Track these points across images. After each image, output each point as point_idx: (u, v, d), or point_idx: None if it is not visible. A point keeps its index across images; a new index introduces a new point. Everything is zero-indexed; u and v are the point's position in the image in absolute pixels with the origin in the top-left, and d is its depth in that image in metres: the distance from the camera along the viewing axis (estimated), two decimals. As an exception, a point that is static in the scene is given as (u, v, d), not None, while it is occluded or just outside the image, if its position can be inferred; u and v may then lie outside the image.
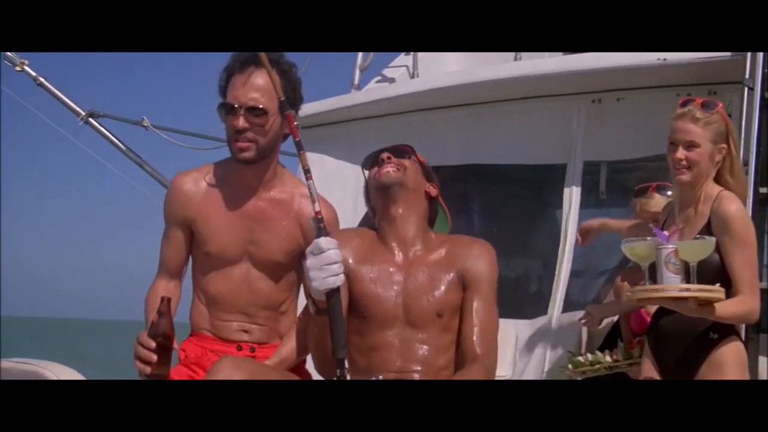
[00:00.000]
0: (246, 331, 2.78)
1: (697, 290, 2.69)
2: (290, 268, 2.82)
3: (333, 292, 2.29)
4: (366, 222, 4.15)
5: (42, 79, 5.25)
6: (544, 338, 3.87)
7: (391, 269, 2.63)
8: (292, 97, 2.66)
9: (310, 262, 2.28)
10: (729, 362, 2.85)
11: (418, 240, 2.67)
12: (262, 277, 2.74)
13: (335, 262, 2.28)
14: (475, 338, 2.55)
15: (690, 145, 2.91)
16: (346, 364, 2.29)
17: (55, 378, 3.28)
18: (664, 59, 3.69)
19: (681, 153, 2.91)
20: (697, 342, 2.92)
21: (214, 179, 2.79)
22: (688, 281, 2.71)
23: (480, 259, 2.63)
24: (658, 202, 3.41)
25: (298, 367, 2.83)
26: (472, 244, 2.67)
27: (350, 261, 2.57)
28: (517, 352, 3.90)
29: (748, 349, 3.03)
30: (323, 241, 2.28)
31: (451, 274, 2.61)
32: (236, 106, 2.63)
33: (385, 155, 2.70)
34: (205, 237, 2.76)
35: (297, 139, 2.41)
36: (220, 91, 2.72)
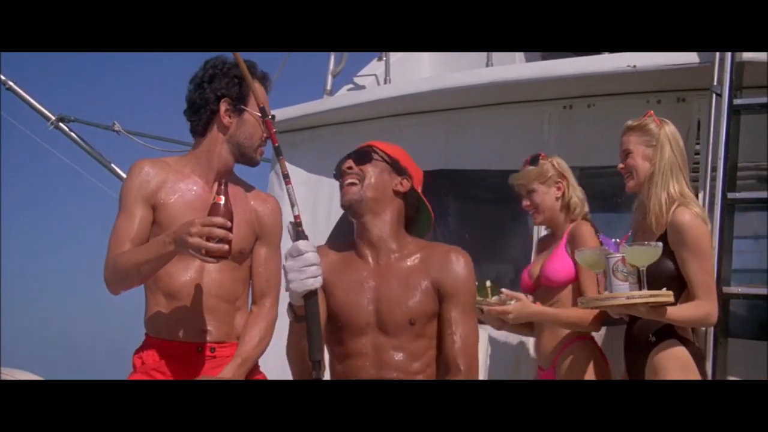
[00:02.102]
0: (204, 330, 2.75)
1: (639, 296, 2.83)
2: (245, 258, 2.83)
3: (311, 295, 2.30)
4: (341, 226, 4.14)
5: (11, 83, 5.21)
6: (515, 341, 3.89)
7: (365, 276, 2.62)
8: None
9: (289, 264, 2.29)
10: (668, 366, 2.94)
11: (391, 242, 2.65)
12: (219, 267, 2.72)
13: (313, 264, 2.29)
14: (456, 351, 2.55)
15: (626, 154, 3.13)
16: (323, 366, 2.30)
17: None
18: (634, 66, 3.72)
19: (620, 164, 3.15)
20: (640, 345, 3.03)
21: (179, 169, 2.80)
22: (640, 287, 2.84)
23: (457, 269, 2.61)
24: (526, 173, 3.56)
25: (253, 371, 2.83)
26: (449, 253, 2.64)
27: (326, 275, 2.51)
28: (488, 357, 3.92)
29: (716, 352, 3.09)
30: (302, 244, 2.30)
31: (426, 282, 2.59)
32: (273, 116, 2.69)
33: (346, 165, 2.67)
34: (167, 224, 2.71)
35: (276, 144, 2.43)
36: (233, 90, 2.75)
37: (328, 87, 4.87)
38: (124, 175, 5.32)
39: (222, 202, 2.48)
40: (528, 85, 4.10)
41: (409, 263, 2.63)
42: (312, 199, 4.59)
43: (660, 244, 2.86)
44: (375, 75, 4.97)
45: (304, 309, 2.33)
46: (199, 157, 2.81)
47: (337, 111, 4.62)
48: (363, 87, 4.94)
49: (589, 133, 4.07)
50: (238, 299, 2.83)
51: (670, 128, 3.10)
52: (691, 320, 2.96)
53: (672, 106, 3.90)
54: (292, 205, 2.32)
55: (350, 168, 2.66)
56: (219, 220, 2.44)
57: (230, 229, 2.45)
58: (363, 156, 2.69)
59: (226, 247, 2.44)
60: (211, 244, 2.41)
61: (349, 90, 4.98)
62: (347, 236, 2.77)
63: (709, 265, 2.98)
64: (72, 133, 5.39)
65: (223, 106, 2.75)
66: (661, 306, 2.85)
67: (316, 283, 2.30)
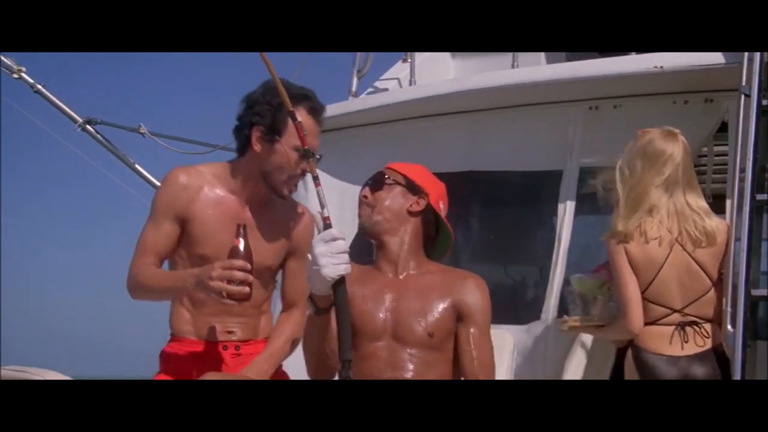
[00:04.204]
0: (230, 331, 2.80)
1: (568, 321, 3.48)
2: (276, 270, 2.89)
3: (340, 283, 2.30)
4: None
5: (39, 86, 5.25)
6: (540, 343, 3.88)
7: (383, 287, 2.66)
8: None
9: (321, 249, 2.29)
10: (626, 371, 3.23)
11: (410, 259, 2.71)
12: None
13: (345, 251, 2.30)
14: (476, 368, 2.59)
15: None
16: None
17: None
18: (661, 67, 3.69)
19: None
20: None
21: (215, 182, 2.81)
22: (582, 311, 3.46)
23: (476, 293, 2.67)
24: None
25: (277, 372, 2.86)
26: (467, 278, 2.71)
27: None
28: (514, 360, 3.90)
29: (745, 355, 3.08)
30: (335, 231, 2.31)
31: (445, 301, 2.64)
32: (317, 156, 2.69)
33: (362, 195, 2.76)
34: (200, 239, 2.76)
35: (305, 147, 2.43)
36: (267, 119, 2.74)
37: (353, 88, 4.87)
38: (148, 176, 5.40)
39: (241, 245, 2.53)
40: (553, 87, 4.08)
41: (427, 280, 2.69)
42: (336, 202, 4.58)
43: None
44: (398, 78, 4.96)
45: (328, 300, 2.33)
46: (234, 174, 2.83)
47: (362, 113, 4.61)
48: (389, 88, 4.93)
49: (615, 135, 4.04)
50: (263, 304, 2.89)
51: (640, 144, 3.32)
52: (616, 336, 3.34)
53: (700, 106, 3.87)
54: (322, 207, 2.32)
55: (365, 197, 2.75)
56: (239, 263, 2.48)
57: (250, 272, 2.49)
58: (377, 183, 2.76)
59: (247, 289, 2.48)
60: (232, 287, 2.46)
61: (373, 90, 4.97)
62: (366, 250, 2.80)
63: (621, 283, 3.21)
64: (98, 135, 5.42)
65: (255, 134, 2.76)
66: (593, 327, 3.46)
67: (348, 269, 2.30)
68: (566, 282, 3.98)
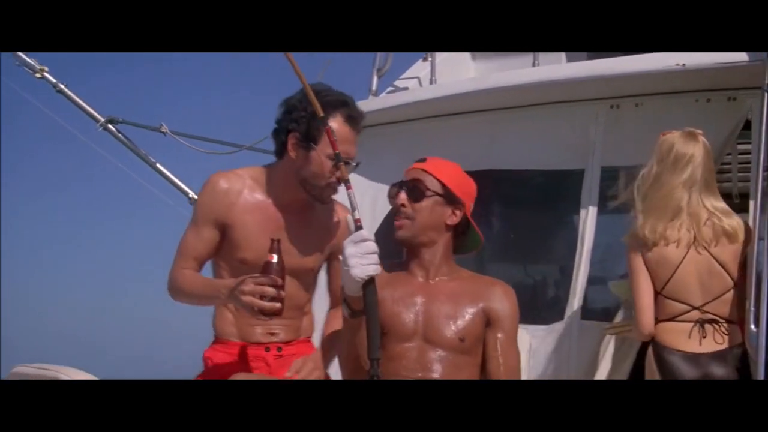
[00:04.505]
0: (272, 333, 2.84)
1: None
2: (318, 271, 2.95)
3: (369, 283, 2.30)
4: (384, 227, 4.13)
5: (62, 86, 5.28)
6: (564, 343, 3.86)
7: (414, 290, 2.68)
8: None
9: (350, 250, 2.30)
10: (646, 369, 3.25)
11: (442, 267, 2.73)
12: (290, 281, 2.73)
13: (375, 252, 2.31)
14: (501, 374, 2.62)
15: None
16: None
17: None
18: (683, 65, 3.66)
19: None
20: None
21: (255, 186, 2.84)
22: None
23: (504, 301, 2.70)
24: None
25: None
26: (495, 285, 2.74)
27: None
28: (531, 359, 3.89)
29: None
30: (365, 232, 2.32)
31: (475, 306, 2.67)
32: (353, 163, 2.76)
33: (399, 201, 2.72)
34: (241, 244, 2.80)
35: (336, 151, 2.42)
36: (302, 126, 2.74)
37: (374, 87, 4.87)
38: (170, 175, 5.41)
39: (275, 260, 2.55)
40: (574, 85, 4.06)
41: (458, 286, 2.71)
42: (357, 198, 4.57)
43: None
44: (418, 77, 4.95)
45: (360, 301, 2.33)
46: (273, 178, 2.86)
47: (383, 111, 4.60)
48: (406, 88, 4.92)
49: (636, 133, 4.01)
50: (305, 305, 2.95)
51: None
52: (635, 337, 3.39)
53: (722, 105, 3.83)
54: (353, 209, 2.33)
55: (403, 206, 2.71)
56: (271, 279, 2.52)
57: (282, 287, 2.53)
58: (415, 190, 2.72)
59: (278, 305, 2.52)
60: (264, 303, 2.50)
61: (391, 92, 4.96)
62: (390, 249, 2.78)
63: (634, 287, 3.28)
64: (120, 135, 5.45)
65: (291, 140, 2.78)
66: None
67: (377, 269, 2.31)
68: (589, 281, 3.97)
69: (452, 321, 2.63)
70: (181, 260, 2.81)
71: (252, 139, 5.27)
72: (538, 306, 4.39)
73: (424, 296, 2.67)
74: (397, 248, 2.82)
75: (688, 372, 3.14)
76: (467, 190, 2.79)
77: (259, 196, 2.83)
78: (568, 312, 3.92)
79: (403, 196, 2.72)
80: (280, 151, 2.85)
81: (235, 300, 2.56)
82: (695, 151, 3.24)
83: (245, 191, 2.82)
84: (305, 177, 2.78)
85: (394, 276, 2.71)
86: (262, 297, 2.50)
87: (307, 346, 2.98)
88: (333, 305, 3.02)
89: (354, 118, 2.80)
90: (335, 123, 2.71)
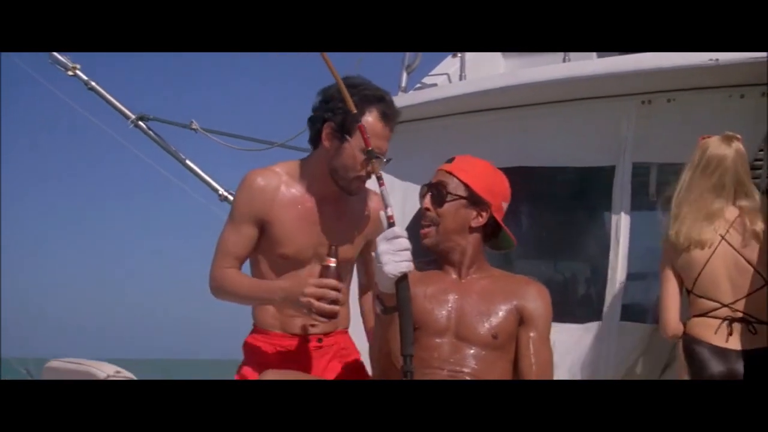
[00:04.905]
0: (313, 325, 2.87)
1: None
2: (354, 262, 3.01)
3: (402, 280, 2.30)
4: (415, 224, 4.13)
5: (93, 83, 5.33)
6: (602, 343, 3.84)
7: (447, 287, 2.68)
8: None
9: (383, 247, 2.30)
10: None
11: (472, 266, 2.72)
12: None
13: (407, 249, 2.31)
14: (533, 374, 2.60)
15: None
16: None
17: (106, 377, 3.34)
18: (717, 59, 3.62)
19: None
20: None
21: (291, 181, 2.87)
22: None
23: (538, 300, 2.68)
24: None
25: (351, 352, 3.03)
26: (529, 284, 2.72)
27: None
28: (560, 356, 3.86)
29: None
30: (398, 229, 2.32)
31: (509, 305, 2.65)
32: (384, 159, 2.80)
33: (424, 204, 2.71)
34: (281, 240, 2.84)
35: (369, 148, 2.43)
36: (338, 117, 2.76)
37: (403, 84, 4.86)
38: (199, 171, 5.44)
39: (333, 265, 2.62)
40: (605, 81, 4.03)
41: (490, 284, 2.70)
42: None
43: None
44: (447, 74, 4.94)
45: (393, 298, 2.33)
46: (307, 170, 2.89)
47: (412, 108, 4.59)
48: (435, 85, 4.91)
49: (668, 130, 3.98)
50: (342, 296, 2.94)
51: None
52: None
53: (756, 100, 3.79)
54: (386, 206, 2.33)
55: (428, 210, 2.70)
56: (332, 283, 2.59)
57: (340, 290, 2.62)
58: (439, 194, 2.70)
59: (338, 308, 2.60)
60: (325, 306, 2.58)
61: (420, 88, 4.95)
62: (420, 247, 2.78)
63: (661, 288, 3.42)
64: (150, 132, 5.49)
65: (326, 129, 2.81)
66: None
67: (410, 266, 2.31)
68: (628, 281, 3.93)
69: (485, 318, 2.62)
70: (222, 259, 2.85)
71: (283, 136, 5.28)
72: (569, 304, 4.36)
73: (457, 293, 2.66)
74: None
75: (715, 366, 3.19)
76: (496, 189, 2.75)
77: (296, 190, 2.86)
78: (606, 312, 3.89)
79: (428, 200, 2.72)
80: (315, 140, 2.87)
81: (293, 301, 2.64)
82: (726, 154, 3.27)
83: (282, 187, 2.85)
84: (336, 167, 2.81)
85: (426, 273, 2.70)
86: (321, 300, 2.58)
87: (345, 337, 3.03)
88: (363, 293, 3.13)
89: (388, 115, 2.82)
90: (370, 117, 2.75)
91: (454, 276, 2.71)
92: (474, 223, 2.71)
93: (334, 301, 2.58)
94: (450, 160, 2.77)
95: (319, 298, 2.57)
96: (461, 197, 2.70)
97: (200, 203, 5.53)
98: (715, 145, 3.32)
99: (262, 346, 2.91)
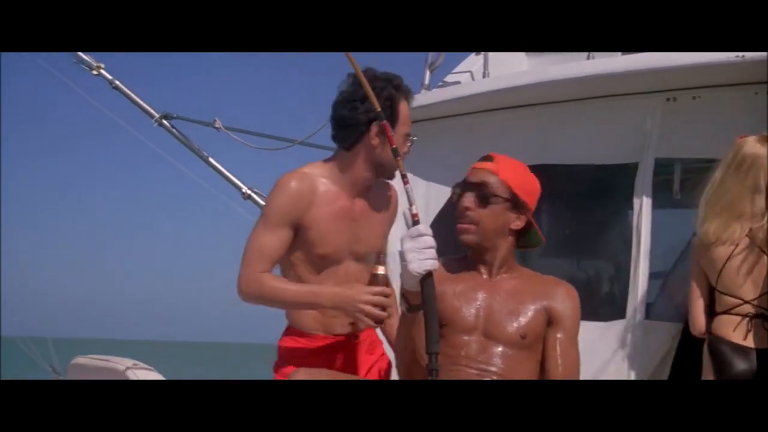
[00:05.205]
0: (353, 323, 2.94)
1: None
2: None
3: (427, 278, 2.31)
4: (439, 221, 4.12)
5: (118, 83, 5.36)
6: (625, 343, 3.82)
7: (476, 285, 2.67)
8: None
9: (408, 245, 2.31)
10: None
11: (504, 266, 2.71)
12: (361, 269, 2.93)
13: (432, 247, 2.31)
14: (559, 375, 2.60)
15: None
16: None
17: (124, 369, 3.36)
18: (743, 56, 3.59)
19: None
20: None
21: (325, 182, 2.93)
22: None
23: (567, 301, 2.67)
24: None
25: (377, 347, 3.11)
26: (558, 284, 2.71)
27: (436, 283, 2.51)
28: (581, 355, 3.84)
29: None
30: (422, 227, 2.32)
31: (537, 304, 2.64)
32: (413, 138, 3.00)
33: (465, 203, 2.66)
34: (318, 240, 2.90)
35: (394, 146, 2.44)
36: (386, 112, 2.76)
37: (426, 81, 4.85)
38: (224, 171, 5.45)
39: (382, 273, 2.74)
40: (630, 78, 4.01)
41: (519, 284, 2.69)
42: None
43: None
44: (471, 71, 4.92)
45: (418, 296, 2.34)
46: (342, 169, 2.95)
47: (436, 105, 4.59)
48: (458, 83, 4.90)
49: (693, 127, 3.95)
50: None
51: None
52: None
53: (783, 98, 3.75)
54: (411, 204, 2.33)
55: (469, 209, 2.65)
56: (385, 290, 2.73)
57: (388, 296, 2.76)
58: (483, 196, 2.66)
59: (386, 314, 2.76)
60: (378, 312, 2.73)
61: (443, 86, 4.94)
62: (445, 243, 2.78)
63: (690, 286, 3.48)
64: (174, 130, 5.51)
65: (375, 128, 2.88)
66: None
67: (435, 264, 2.31)
68: (652, 279, 3.91)
69: (514, 317, 2.62)
70: (256, 263, 2.86)
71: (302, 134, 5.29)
72: (592, 302, 4.34)
73: (486, 292, 2.66)
74: (453, 244, 2.81)
75: (738, 364, 3.21)
76: (532, 189, 2.74)
77: (330, 191, 2.92)
78: (630, 310, 3.86)
79: (469, 199, 2.66)
80: (351, 142, 2.93)
81: (346, 308, 2.75)
82: (761, 153, 3.26)
83: (317, 189, 2.90)
84: (384, 160, 2.90)
85: (452, 271, 2.70)
86: (376, 307, 2.73)
87: (372, 331, 3.08)
88: None
89: (411, 94, 2.99)
90: (403, 106, 2.92)
91: (485, 275, 2.70)
92: (513, 226, 2.69)
93: (383, 307, 2.71)
94: (489, 158, 2.72)
95: (374, 306, 2.71)
96: (505, 200, 2.66)
97: (223, 201, 5.55)
98: (750, 144, 3.32)
99: (305, 346, 2.96)
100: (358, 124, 2.89)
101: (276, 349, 3.06)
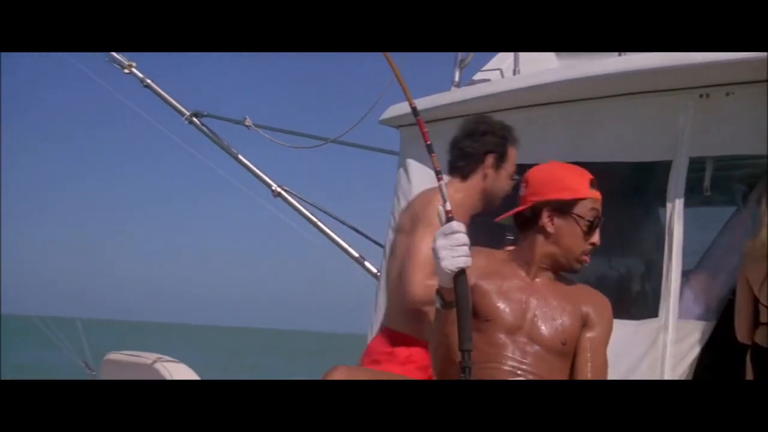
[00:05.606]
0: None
1: None
2: None
3: (460, 275, 2.32)
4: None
5: (149, 81, 5.40)
6: (657, 343, 3.79)
7: (520, 286, 2.69)
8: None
9: (440, 242, 2.32)
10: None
11: (548, 269, 2.73)
12: None
13: (465, 244, 2.32)
14: (587, 374, 2.62)
15: None
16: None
17: (169, 376, 3.40)
18: (776, 51, 3.54)
19: None
20: None
21: (462, 201, 3.33)
22: None
23: (601, 308, 2.72)
24: None
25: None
26: (594, 293, 2.76)
27: (474, 278, 2.55)
28: (611, 354, 3.82)
29: None
30: (455, 224, 2.33)
31: (576, 311, 2.67)
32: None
33: (599, 242, 2.73)
34: None
35: (428, 143, 2.44)
36: (501, 149, 3.43)
37: (456, 79, 4.84)
38: (254, 168, 5.47)
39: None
40: (662, 74, 3.96)
41: (559, 288, 2.71)
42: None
43: None
44: (500, 69, 4.90)
45: (452, 293, 2.34)
46: (465, 193, 3.39)
47: (466, 103, 4.58)
48: (488, 80, 4.88)
49: (727, 124, 3.90)
50: None
51: None
52: None
53: (819, 93, 3.69)
54: (444, 201, 2.34)
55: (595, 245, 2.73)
56: None
57: None
58: (563, 211, 2.72)
59: None
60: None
61: (473, 83, 4.92)
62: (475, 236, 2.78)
63: (737, 293, 3.53)
64: (204, 128, 5.55)
65: (490, 160, 3.41)
66: None
67: (468, 261, 2.32)
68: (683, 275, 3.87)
69: (557, 323, 2.64)
70: (428, 270, 3.03)
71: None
72: (624, 300, 4.31)
73: (529, 293, 2.67)
74: (485, 239, 2.80)
75: None
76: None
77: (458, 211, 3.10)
78: (662, 309, 3.83)
79: (550, 215, 2.72)
80: (468, 172, 3.40)
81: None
82: None
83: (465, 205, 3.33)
84: (494, 190, 3.42)
85: (496, 268, 2.71)
86: None
87: None
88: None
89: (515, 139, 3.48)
90: (512, 153, 3.45)
91: (523, 273, 2.72)
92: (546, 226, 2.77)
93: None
94: (594, 185, 2.84)
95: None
96: (584, 221, 2.76)
97: (251, 198, 5.58)
98: None
99: (382, 344, 3.30)
100: (476, 153, 3.37)
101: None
